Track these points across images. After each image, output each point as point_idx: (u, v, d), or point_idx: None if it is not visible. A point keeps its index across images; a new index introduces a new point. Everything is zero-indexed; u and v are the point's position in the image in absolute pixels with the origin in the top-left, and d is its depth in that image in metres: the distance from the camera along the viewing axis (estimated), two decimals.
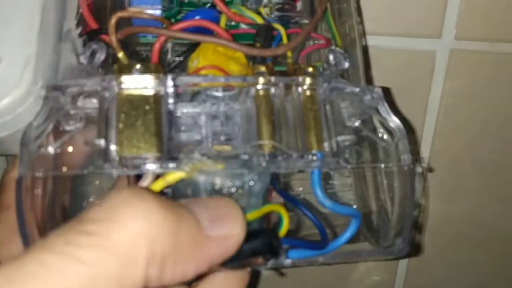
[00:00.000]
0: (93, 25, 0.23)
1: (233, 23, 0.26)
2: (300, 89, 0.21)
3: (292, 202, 0.23)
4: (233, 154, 0.20)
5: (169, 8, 0.24)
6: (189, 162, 0.19)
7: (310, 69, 0.22)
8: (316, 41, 0.28)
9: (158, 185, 0.19)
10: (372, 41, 0.34)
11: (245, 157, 0.19)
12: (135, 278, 0.14)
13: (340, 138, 0.21)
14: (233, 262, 0.18)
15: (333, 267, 0.42)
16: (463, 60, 0.35)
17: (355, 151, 0.22)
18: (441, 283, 0.44)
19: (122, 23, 0.22)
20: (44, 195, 0.19)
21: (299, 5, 0.27)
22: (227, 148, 0.21)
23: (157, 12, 0.23)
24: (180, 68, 0.24)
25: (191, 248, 0.16)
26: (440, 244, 0.42)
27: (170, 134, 0.19)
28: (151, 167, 0.18)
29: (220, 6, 0.24)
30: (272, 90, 0.21)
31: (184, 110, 0.21)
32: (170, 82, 0.19)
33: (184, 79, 0.20)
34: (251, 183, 0.20)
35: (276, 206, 0.21)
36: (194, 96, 0.21)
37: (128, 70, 0.19)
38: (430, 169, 0.38)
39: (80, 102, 0.20)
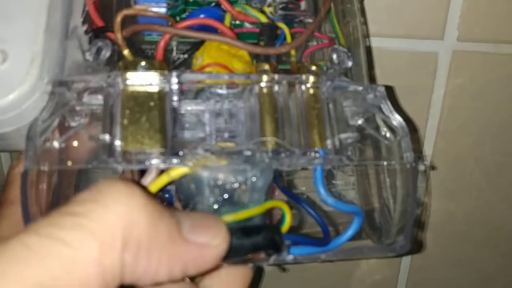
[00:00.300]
0: (99, 22, 0.23)
1: (237, 21, 0.26)
2: (303, 87, 0.21)
3: (294, 199, 0.23)
4: (236, 150, 0.20)
5: (174, 6, 0.24)
6: (192, 157, 0.19)
7: (314, 68, 0.22)
8: (320, 41, 0.28)
9: (161, 180, 0.19)
10: (376, 42, 0.35)
11: (248, 153, 0.19)
12: (112, 259, 0.14)
13: (342, 135, 0.21)
14: (235, 256, 0.18)
15: (336, 265, 0.43)
16: (465, 61, 0.36)
17: (358, 148, 0.22)
18: (444, 280, 0.44)
19: (128, 21, 0.23)
20: (49, 189, 0.19)
21: (303, 4, 0.27)
22: (230, 145, 0.21)
23: (162, 10, 0.23)
24: (184, 66, 0.24)
25: (166, 245, 0.15)
26: (443, 242, 0.43)
27: (174, 131, 0.20)
28: (155, 162, 0.19)
29: (225, 4, 0.25)
30: (276, 88, 0.21)
31: (188, 107, 0.21)
32: (174, 79, 0.20)
33: (188, 76, 0.20)
34: (254, 179, 0.20)
35: (279, 202, 0.21)
36: (198, 93, 0.22)
37: (133, 67, 0.20)
38: (432, 167, 0.38)
39: (86, 98, 0.20)
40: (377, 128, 0.22)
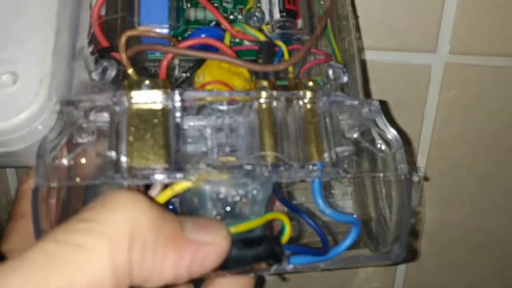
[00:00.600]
0: (104, 43, 0.24)
1: (237, 40, 0.27)
2: (301, 102, 0.22)
3: (294, 210, 0.24)
4: (237, 165, 0.20)
5: (176, 26, 0.24)
6: (195, 172, 0.20)
7: (311, 83, 0.23)
8: (316, 56, 0.29)
9: (166, 194, 0.20)
10: (370, 55, 0.36)
11: (249, 167, 0.20)
12: (122, 259, 0.15)
13: (339, 149, 0.22)
14: (237, 267, 0.19)
15: (334, 273, 0.43)
16: (458, 73, 0.36)
17: (354, 161, 0.23)
18: (438, 286, 0.45)
19: (132, 41, 0.23)
20: (58, 204, 0.20)
21: (300, 23, 0.28)
22: (231, 159, 0.21)
23: (165, 30, 0.24)
24: (186, 84, 0.25)
25: (170, 244, 0.16)
26: (437, 249, 0.43)
27: (178, 146, 0.20)
28: (160, 177, 0.19)
29: (224, 24, 0.25)
30: (274, 103, 0.22)
31: (191, 123, 0.22)
32: (177, 97, 0.20)
33: (190, 94, 0.21)
34: (254, 192, 0.20)
35: (279, 214, 0.21)
36: (200, 109, 0.22)
37: (138, 85, 0.20)
38: (426, 178, 0.39)
39: (92, 116, 0.21)
40: (373, 141, 0.23)
